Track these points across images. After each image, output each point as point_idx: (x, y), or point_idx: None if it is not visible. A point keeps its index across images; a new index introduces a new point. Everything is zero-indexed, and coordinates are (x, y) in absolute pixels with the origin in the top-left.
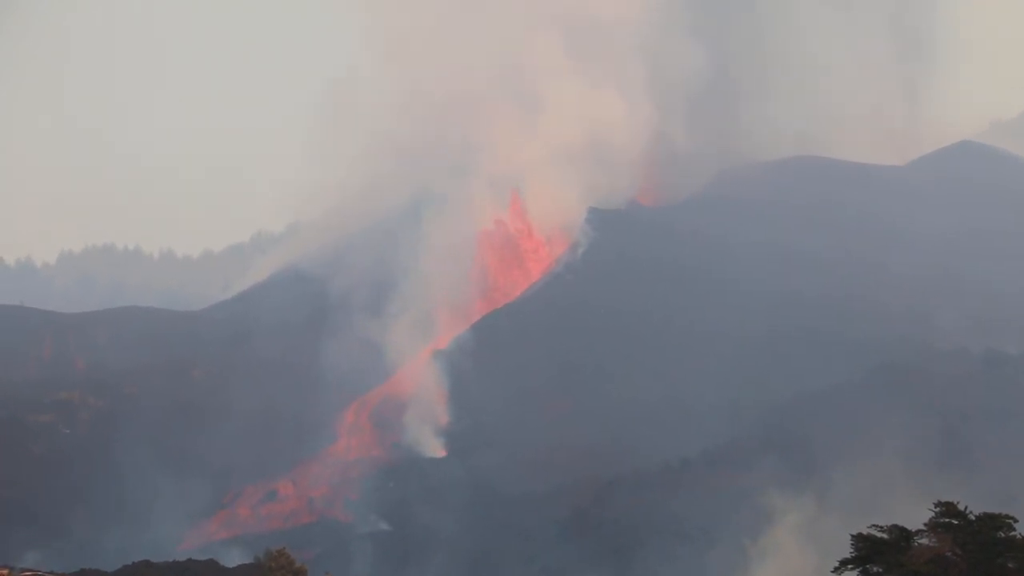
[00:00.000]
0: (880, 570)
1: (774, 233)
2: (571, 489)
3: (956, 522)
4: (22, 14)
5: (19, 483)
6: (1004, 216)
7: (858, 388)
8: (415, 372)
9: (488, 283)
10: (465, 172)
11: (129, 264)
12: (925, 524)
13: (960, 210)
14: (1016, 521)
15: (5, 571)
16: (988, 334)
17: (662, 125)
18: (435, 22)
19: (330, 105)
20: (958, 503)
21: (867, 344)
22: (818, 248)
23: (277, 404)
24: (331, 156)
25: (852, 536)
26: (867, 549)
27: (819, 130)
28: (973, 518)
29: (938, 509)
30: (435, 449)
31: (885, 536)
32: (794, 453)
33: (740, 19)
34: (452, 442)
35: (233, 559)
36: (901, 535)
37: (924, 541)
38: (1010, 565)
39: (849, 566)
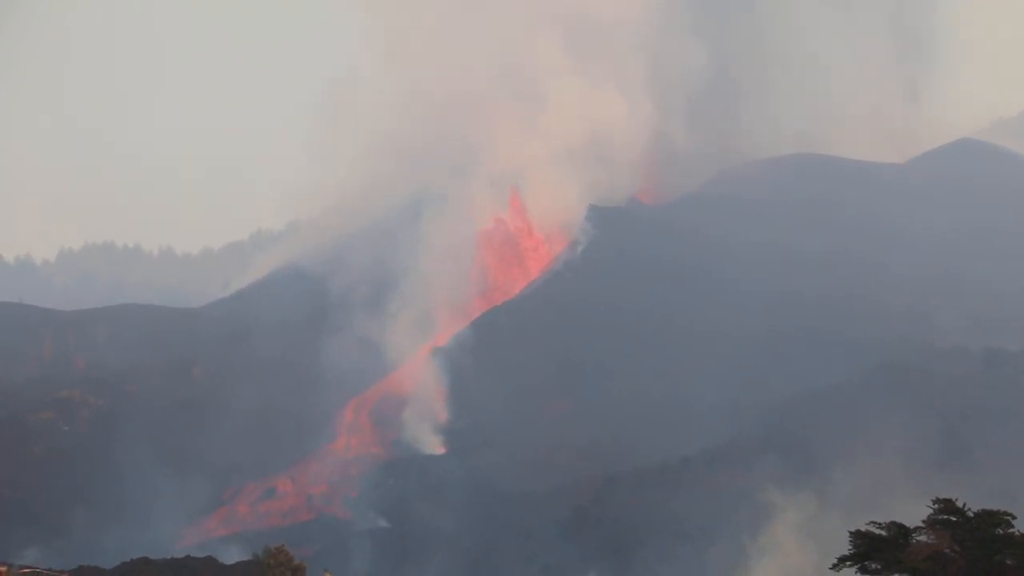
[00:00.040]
0: (879, 567)
1: (774, 232)
2: (571, 487)
3: (954, 519)
4: (22, 14)
5: (19, 481)
6: (1004, 214)
7: (858, 387)
8: (414, 370)
9: (488, 282)
10: (465, 171)
11: (129, 262)
12: (924, 521)
13: (960, 208)
14: (1014, 518)
15: (4, 568)
16: (988, 333)
17: (662, 124)
18: (435, 22)
19: (330, 105)
20: (957, 500)
21: (867, 343)
22: (818, 247)
23: (277, 402)
24: (331, 155)
25: (851, 533)
26: (866, 546)
27: (819, 129)
28: (971, 515)
29: (936, 506)
30: (434, 447)
31: (884, 533)
32: (794, 452)
33: (740, 18)
34: (451, 440)
35: (232, 556)
36: (900, 532)
37: (923, 538)
38: (1008, 562)
39: (848, 563)
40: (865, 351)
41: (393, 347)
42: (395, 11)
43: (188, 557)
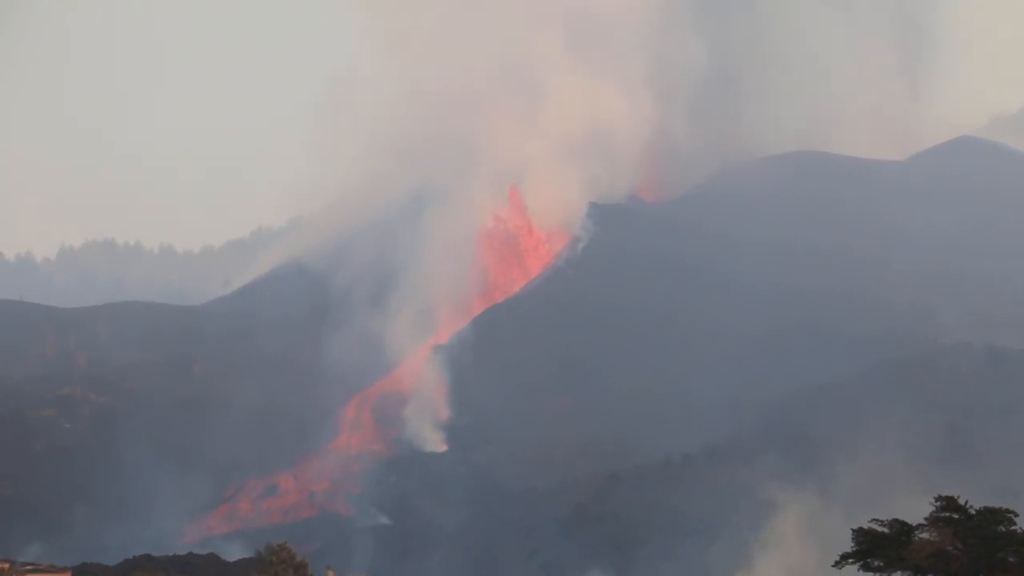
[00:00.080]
0: (881, 564)
1: (775, 229)
2: (572, 485)
3: (957, 516)
4: (22, 14)
5: (20, 478)
6: (1005, 211)
7: (860, 384)
8: (416, 367)
9: (488, 279)
10: (465, 169)
11: (129, 260)
12: (926, 518)
13: (961, 206)
14: (1017, 515)
15: (6, 565)
16: (990, 330)
17: (663, 121)
18: (435, 19)
19: (331, 103)
20: (959, 497)
21: (869, 340)
22: (819, 244)
23: (278, 399)
24: (332, 154)
25: (853, 531)
26: (868, 543)
27: (820, 126)
28: (974, 512)
29: (939, 503)
30: (436, 444)
31: (886, 530)
32: (796, 449)
33: (741, 15)
34: (453, 437)
35: (234, 553)
36: (902, 529)
37: (925, 535)
38: (1011, 559)
39: (850, 560)
40: (867, 348)
41: (394, 344)
42: (395, 9)
43: (190, 554)
